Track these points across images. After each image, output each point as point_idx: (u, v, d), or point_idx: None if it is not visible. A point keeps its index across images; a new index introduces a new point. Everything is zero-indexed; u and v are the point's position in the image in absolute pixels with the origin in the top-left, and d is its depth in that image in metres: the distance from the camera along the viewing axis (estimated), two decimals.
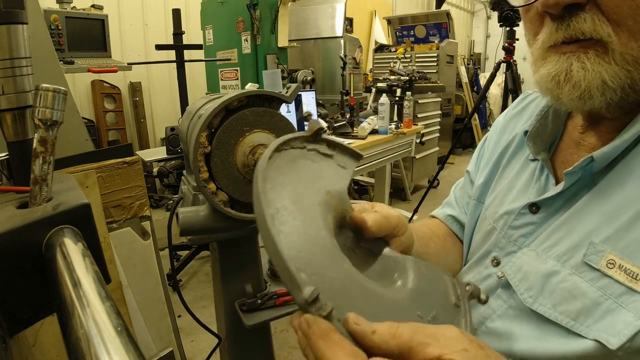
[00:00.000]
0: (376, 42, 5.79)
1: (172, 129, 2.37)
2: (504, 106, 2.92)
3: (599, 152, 0.45)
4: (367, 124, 2.63)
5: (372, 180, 3.79)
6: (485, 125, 6.42)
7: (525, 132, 0.58)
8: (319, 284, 0.32)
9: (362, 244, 0.47)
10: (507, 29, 2.65)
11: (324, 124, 0.49)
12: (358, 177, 3.93)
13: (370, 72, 5.36)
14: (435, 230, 0.73)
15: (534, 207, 0.53)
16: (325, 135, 0.49)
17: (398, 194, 4.07)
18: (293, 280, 0.31)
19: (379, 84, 3.63)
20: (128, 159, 1.07)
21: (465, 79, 6.09)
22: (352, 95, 3.03)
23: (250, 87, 2.26)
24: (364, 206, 0.50)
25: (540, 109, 0.58)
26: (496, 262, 0.56)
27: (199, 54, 3.22)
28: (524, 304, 0.48)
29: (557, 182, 0.53)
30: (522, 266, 0.50)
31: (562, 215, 0.49)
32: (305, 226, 0.37)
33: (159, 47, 2.61)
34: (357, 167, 0.51)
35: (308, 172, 0.45)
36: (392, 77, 3.60)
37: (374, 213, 0.46)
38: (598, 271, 0.42)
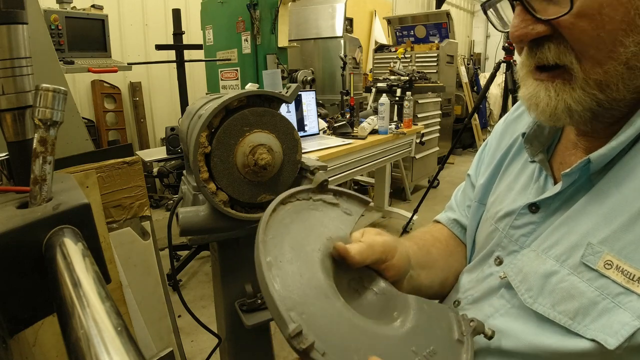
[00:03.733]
0: (376, 42, 5.79)
1: (172, 129, 2.37)
2: (504, 106, 2.92)
3: (596, 154, 0.46)
4: (367, 124, 2.62)
5: (372, 181, 3.79)
6: (485, 125, 6.41)
7: (523, 135, 0.59)
8: (307, 321, 0.35)
9: (366, 283, 0.50)
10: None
11: (326, 177, 0.50)
12: (358, 177, 3.93)
13: (370, 72, 5.36)
14: (438, 235, 0.74)
15: (533, 207, 0.54)
16: (331, 186, 0.54)
17: (398, 194, 4.07)
18: (281, 318, 0.34)
19: (379, 84, 3.63)
20: (128, 159, 1.07)
21: (465, 79, 6.08)
22: (352, 95, 3.03)
23: (250, 87, 2.26)
24: (354, 235, 0.52)
25: None
26: (499, 262, 0.57)
27: (199, 54, 3.22)
28: (525, 304, 0.49)
29: (556, 182, 0.54)
30: (523, 267, 0.51)
31: (561, 216, 0.50)
32: (301, 271, 0.41)
33: (159, 47, 2.61)
34: (364, 211, 0.55)
35: (312, 221, 0.48)
36: (392, 77, 3.60)
37: (358, 243, 0.48)
38: (596, 271, 0.43)
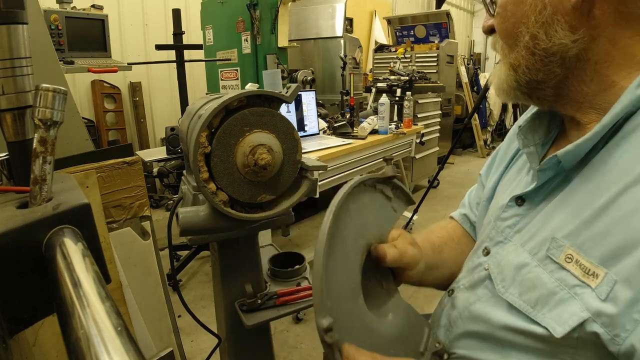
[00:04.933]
0: (376, 42, 5.79)
1: (172, 129, 2.37)
2: (504, 106, 2.93)
3: (562, 151, 0.49)
4: (367, 124, 2.62)
5: None
6: (485, 125, 6.41)
7: (520, 127, 0.62)
8: (337, 318, 0.42)
9: (378, 274, 0.58)
10: None
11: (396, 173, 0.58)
12: (359, 178, 3.92)
13: (370, 72, 5.36)
14: (452, 233, 0.79)
15: (519, 200, 0.57)
16: (395, 181, 0.63)
17: None
18: (322, 310, 0.40)
19: (379, 84, 3.63)
20: (128, 159, 1.07)
21: (465, 79, 6.08)
22: (352, 95, 3.03)
23: (250, 87, 2.26)
24: (391, 234, 0.61)
25: (537, 108, 0.62)
26: (486, 252, 0.60)
27: (199, 54, 3.22)
28: (498, 293, 0.53)
29: None
30: (501, 260, 0.55)
31: (542, 210, 0.53)
32: (345, 265, 0.48)
33: (159, 47, 2.61)
34: (405, 210, 0.64)
35: (366, 212, 0.56)
36: (392, 77, 3.60)
37: (393, 249, 0.56)
38: (557, 264, 0.46)
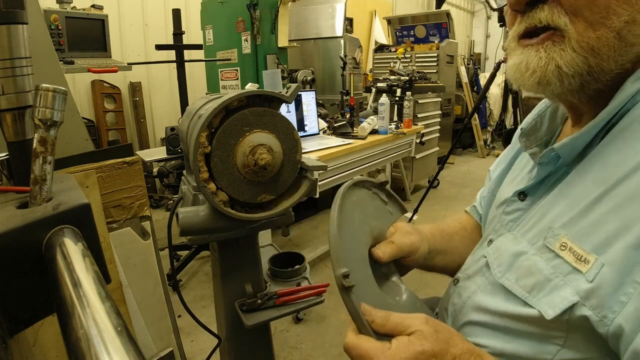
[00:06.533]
0: (376, 42, 5.78)
1: (172, 129, 2.36)
2: (504, 106, 2.93)
3: (559, 143, 0.50)
4: (367, 124, 2.62)
5: (372, 180, 3.78)
6: (485, 125, 6.41)
7: (522, 129, 0.64)
8: (350, 270, 0.48)
9: (383, 267, 0.65)
10: (507, 29, 2.65)
11: (386, 179, 0.64)
12: (358, 177, 3.93)
13: (370, 72, 5.35)
14: (465, 224, 0.84)
15: (522, 195, 0.59)
16: (387, 187, 0.71)
17: (398, 194, 4.03)
18: (338, 261, 0.48)
19: (379, 84, 3.63)
20: (128, 159, 1.07)
21: (465, 79, 6.08)
22: (352, 95, 3.03)
23: (250, 87, 2.26)
24: (389, 230, 0.67)
25: (539, 110, 0.64)
26: (490, 243, 0.62)
27: (199, 54, 3.22)
28: (494, 277, 0.55)
29: None
30: (500, 247, 0.58)
31: (541, 203, 0.54)
32: (354, 238, 0.57)
33: (159, 47, 2.61)
34: (401, 216, 0.71)
35: (366, 208, 0.64)
36: (392, 77, 3.60)
37: (390, 245, 0.63)
38: (553, 252, 0.48)
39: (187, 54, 2.79)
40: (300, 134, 2.20)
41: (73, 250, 0.38)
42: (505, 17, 0.56)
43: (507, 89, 2.66)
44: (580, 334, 0.45)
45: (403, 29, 5.84)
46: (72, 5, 2.48)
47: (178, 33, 2.69)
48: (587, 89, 0.47)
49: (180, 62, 2.69)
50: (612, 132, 0.47)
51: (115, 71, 2.43)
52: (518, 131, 0.77)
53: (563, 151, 0.51)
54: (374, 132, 2.71)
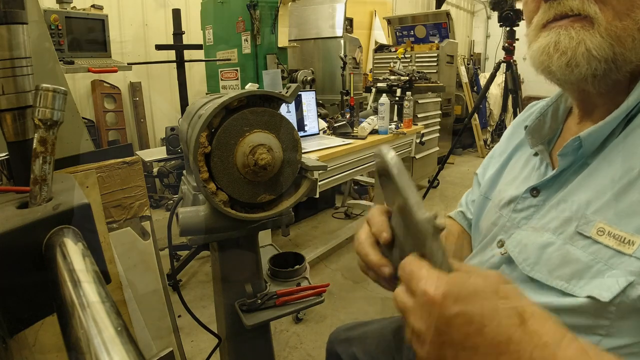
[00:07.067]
0: (376, 42, 5.78)
1: (172, 129, 2.37)
2: (504, 106, 2.93)
3: (585, 132, 0.50)
4: (367, 124, 2.62)
5: (372, 180, 3.78)
6: (485, 125, 6.41)
7: (526, 127, 0.64)
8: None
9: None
10: (507, 29, 2.65)
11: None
12: (358, 177, 3.93)
13: (370, 72, 5.35)
14: (451, 229, 0.82)
15: (534, 191, 0.58)
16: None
17: None
18: (421, 204, 0.42)
19: (379, 84, 3.63)
20: (128, 159, 1.07)
21: (465, 79, 6.08)
22: (352, 95, 3.03)
23: (250, 87, 2.26)
24: None
25: (541, 108, 0.65)
26: (501, 244, 0.61)
27: (199, 54, 3.22)
28: (523, 272, 0.52)
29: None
30: (521, 240, 0.56)
31: (558, 196, 0.54)
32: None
33: (159, 47, 2.61)
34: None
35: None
36: (392, 77, 3.60)
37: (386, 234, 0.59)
38: (589, 239, 0.47)
39: (187, 54, 2.79)
40: (300, 134, 2.20)
41: (73, 250, 0.38)
42: (524, 12, 0.57)
43: (507, 89, 2.66)
44: (630, 320, 0.44)
45: (403, 29, 5.84)
46: (72, 5, 2.48)
47: (178, 33, 2.69)
48: (608, 78, 0.48)
49: (180, 62, 2.69)
50: (632, 124, 0.48)
51: (115, 71, 2.43)
52: (511, 128, 0.77)
53: (588, 140, 0.51)
54: (374, 132, 2.71)
